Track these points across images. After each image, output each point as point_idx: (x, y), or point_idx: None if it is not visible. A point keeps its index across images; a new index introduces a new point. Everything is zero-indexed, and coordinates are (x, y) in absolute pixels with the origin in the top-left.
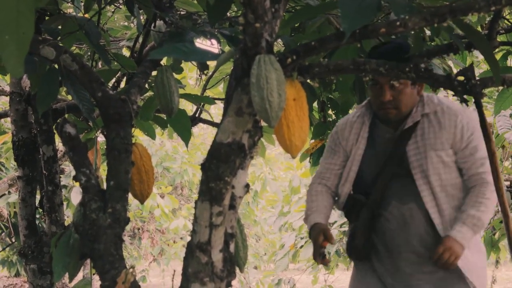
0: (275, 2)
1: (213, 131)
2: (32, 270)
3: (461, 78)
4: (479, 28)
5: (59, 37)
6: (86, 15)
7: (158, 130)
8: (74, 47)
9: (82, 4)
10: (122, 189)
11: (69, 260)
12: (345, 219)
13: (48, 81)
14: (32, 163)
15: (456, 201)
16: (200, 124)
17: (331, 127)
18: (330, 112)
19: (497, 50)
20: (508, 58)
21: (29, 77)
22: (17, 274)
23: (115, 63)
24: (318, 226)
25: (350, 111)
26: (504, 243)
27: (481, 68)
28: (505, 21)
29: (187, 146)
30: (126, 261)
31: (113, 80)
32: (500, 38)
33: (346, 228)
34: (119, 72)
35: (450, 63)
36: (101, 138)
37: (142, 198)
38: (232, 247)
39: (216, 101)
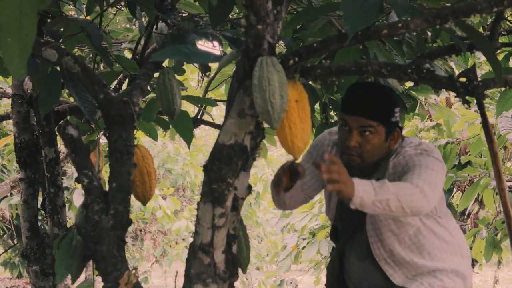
0: (277, 4)
1: (215, 132)
2: (35, 272)
3: (463, 79)
4: (480, 30)
5: (61, 39)
6: (88, 17)
7: (160, 131)
8: (76, 49)
9: (84, 6)
10: (125, 191)
11: (72, 262)
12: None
13: (50, 83)
14: (34, 165)
15: (420, 247)
16: (202, 126)
17: None
18: (332, 113)
19: (499, 51)
20: (510, 59)
21: (31, 79)
22: (19, 276)
23: (117, 65)
24: None
25: None
26: (506, 243)
27: (483, 69)
28: (507, 22)
29: (189, 147)
30: (128, 262)
31: (115, 82)
32: (502, 40)
33: None
34: (121, 74)
35: (452, 64)
36: (103, 140)
37: (144, 200)
38: (234, 248)
39: (218, 103)
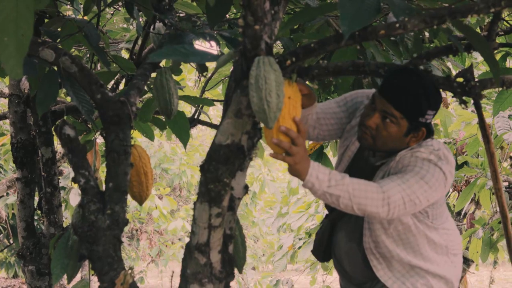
0: (274, 4)
1: (211, 132)
2: (31, 272)
3: (460, 79)
4: (478, 30)
5: (59, 39)
6: (85, 17)
7: (156, 131)
8: (73, 49)
9: (81, 6)
10: (121, 191)
11: (68, 262)
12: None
13: (48, 83)
14: (30, 165)
15: (407, 244)
16: (199, 126)
17: None
18: None
19: (496, 51)
20: (507, 60)
21: (28, 79)
22: (15, 276)
23: (114, 65)
24: None
25: None
26: (502, 243)
27: (480, 69)
28: (504, 22)
29: (185, 147)
30: (124, 262)
31: (112, 82)
32: (499, 40)
33: None
34: (118, 74)
35: (449, 64)
36: (100, 140)
37: (140, 200)
38: (231, 248)
39: (215, 103)
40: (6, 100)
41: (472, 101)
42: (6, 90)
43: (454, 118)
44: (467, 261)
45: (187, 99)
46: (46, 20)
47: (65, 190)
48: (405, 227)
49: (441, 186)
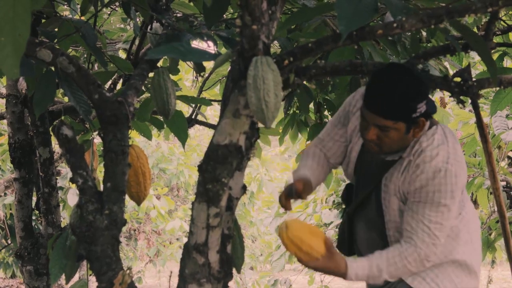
0: (272, 4)
1: (209, 132)
2: (29, 272)
3: (458, 79)
4: (475, 30)
5: (56, 40)
6: (83, 18)
7: (154, 131)
8: (71, 50)
9: (79, 6)
10: (119, 191)
11: (66, 262)
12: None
13: (45, 84)
14: (28, 165)
15: None
16: (196, 126)
17: None
18: (326, 113)
19: (493, 51)
20: (505, 59)
21: (25, 79)
22: (13, 276)
23: (112, 65)
24: (302, 176)
25: None
26: (500, 243)
27: (477, 69)
28: (502, 22)
29: (183, 147)
30: (122, 262)
31: (110, 82)
32: (496, 39)
33: None
34: (116, 74)
35: (446, 64)
36: (97, 140)
37: (138, 200)
38: (229, 248)
39: (212, 102)
40: (4, 101)
41: (469, 101)
42: (4, 91)
43: (451, 117)
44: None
45: (185, 99)
46: (43, 21)
47: (63, 190)
48: None
49: (456, 189)
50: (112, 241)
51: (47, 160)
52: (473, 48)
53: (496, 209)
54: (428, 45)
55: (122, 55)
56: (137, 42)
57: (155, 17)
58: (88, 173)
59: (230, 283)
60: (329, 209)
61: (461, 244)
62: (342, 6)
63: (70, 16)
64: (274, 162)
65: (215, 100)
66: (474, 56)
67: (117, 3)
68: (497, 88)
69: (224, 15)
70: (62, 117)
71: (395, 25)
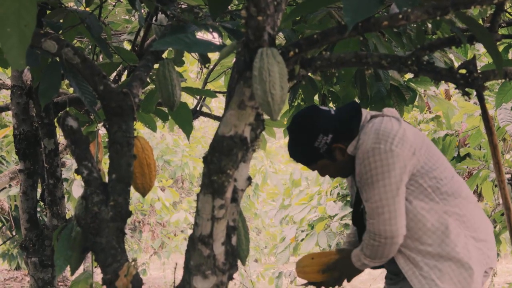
0: None
1: (213, 124)
2: (33, 264)
3: (463, 71)
4: (480, 21)
5: (61, 31)
6: (88, 9)
7: (158, 123)
8: (75, 41)
9: None
10: (124, 182)
11: (71, 253)
12: (345, 212)
13: (50, 75)
14: (33, 157)
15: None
16: (201, 117)
17: None
18: (331, 105)
19: (498, 43)
20: (510, 51)
21: (30, 70)
22: (18, 268)
23: (117, 57)
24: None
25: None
26: (505, 236)
27: (482, 61)
28: (507, 14)
29: (188, 139)
30: (127, 254)
31: (114, 73)
32: (501, 31)
33: (346, 221)
34: (121, 66)
35: (451, 56)
36: (102, 131)
37: (144, 191)
38: (234, 240)
39: (217, 94)
40: (8, 92)
41: (474, 93)
42: (8, 82)
43: (456, 110)
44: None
45: (190, 90)
46: (48, 12)
47: (68, 181)
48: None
49: (391, 164)
50: (117, 232)
51: (52, 151)
52: (478, 40)
53: (501, 201)
54: (433, 37)
55: (127, 46)
56: (142, 33)
57: (160, 8)
58: (93, 165)
59: (235, 275)
60: (334, 201)
61: (453, 240)
62: None
63: (75, 7)
64: (278, 154)
65: (219, 92)
66: (479, 48)
67: None
68: (503, 80)
69: (229, 6)
70: (67, 108)
71: (400, 16)
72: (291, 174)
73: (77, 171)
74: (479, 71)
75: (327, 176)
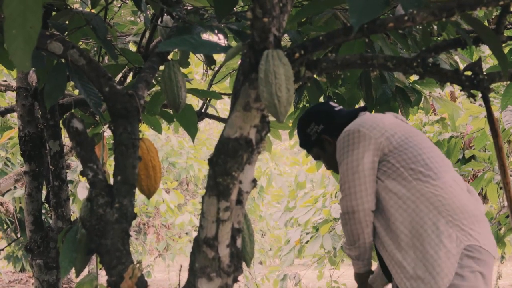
0: None
1: (218, 126)
2: (38, 265)
3: (468, 73)
4: (486, 23)
5: (66, 32)
6: (93, 10)
7: (163, 124)
8: (81, 42)
9: None
10: (129, 184)
11: (76, 255)
12: None
13: (56, 76)
14: (38, 158)
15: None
16: (206, 120)
17: None
18: None
19: (504, 45)
20: None
21: (36, 72)
22: (22, 270)
23: (122, 58)
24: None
25: (356, 106)
26: (510, 238)
27: (487, 63)
28: None
29: (193, 141)
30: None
31: (120, 75)
32: (507, 33)
33: None
34: (126, 67)
35: (456, 58)
36: (107, 133)
37: (149, 193)
38: (239, 242)
39: (222, 96)
40: (14, 93)
41: (480, 95)
42: (14, 83)
43: (461, 112)
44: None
45: (195, 92)
46: (53, 13)
47: (73, 183)
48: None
49: (354, 143)
50: (122, 234)
51: (57, 153)
52: (484, 42)
53: (506, 204)
54: (439, 38)
55: (133, 48)
56: (147, 35)
57: (165, 10)
58: (99, 166)
59: (239, 278)
60: (339, 203)
61: (422, 217)
62: None
63: (81, 8)
64: (283, 156)
65: (225, 94)
66: (485, 50)
67: None
68: (508, 82)
69: (235, 8)
70: (73, 110)
71: (406, 18)
72: (296, 177)
73: (82, 173)
74: (484, 73)
75: (332, 179)
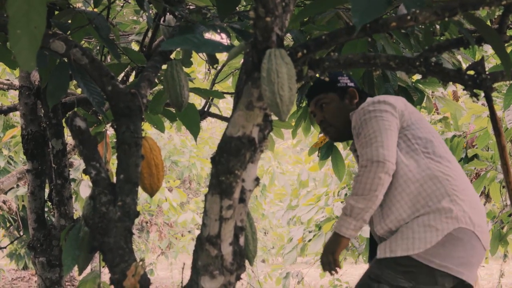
0: None
1: (221, 125)
2: (41, 263)
3: (471, 72)
4: (488, 23)
5: (69, 31)
6: (96, 10)
7: (166, 123)
8: (83, 41)
9: None
10: (132, 183)
11: (79, 253)
12: None
13: (58, 75)
14: (41, 157)
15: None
16: (209, 118)
17: None
18: None
19: (507, 44)
20: None
21: (39, 71)
22: (25, 267)
23: (125, 57)
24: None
25: None
26: None
27: (490, 62)
28: None
29: (195, 140)
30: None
31: (122, 74)
32: (510, 33)
33: None
34: (128, 66)
35: (459, 57)
36: (110, 132)
37: (151, 192)
38: (241, 241)
39: (224, 95)
40: (17, 92)
41: (482, 94)
42: (16, 82)
43: (464, 111)
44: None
45: (198, 91)
46: (56, 12)
47: (75, 182)
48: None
49: (384, 109)
50: (125, 232)
51: (59, 151)
52: (486, 41)
53: (508, 203)
54: (441, 38)
55: (135, 47)
56: (150, 34)
57: (168, 9)
58: (102, 165)
59: (242, 276)
60: (341, 202)
61: (426, 189)
62: None
63: (83, 8)
64: (286, 155)
65: (227, 93)
66: (488, 50)
67: None
68: (511, 82)
69: (237, 7)
70: (75, 109)
71: (408, 17)
72: (299, 175)
73: (85, 171)
74: (487, 72)
75: (334, 177)
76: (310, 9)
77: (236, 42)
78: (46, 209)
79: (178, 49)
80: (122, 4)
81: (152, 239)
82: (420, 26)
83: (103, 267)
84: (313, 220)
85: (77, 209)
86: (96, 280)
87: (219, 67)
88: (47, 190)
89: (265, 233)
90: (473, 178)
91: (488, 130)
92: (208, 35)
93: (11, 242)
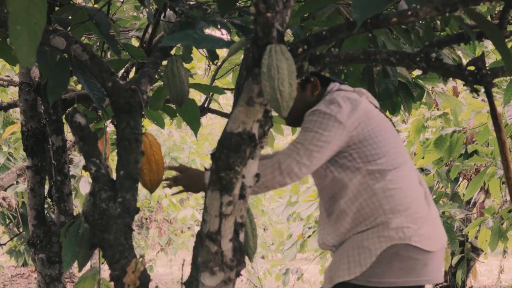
0: None
1: (221, 121)
2: (41, 260)
3: (471, 68)
4: (489, 18)
5: (69, 27)
6: (96, 5)
7: (166, 119)
8: (84, 37)
9: None
10: (132, 179)
11: (79, 250)
12: None
13: (59, 71)
14: (41, 153)
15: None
16: (208, 115)
17: None
18: None
19: (507, 40)
20: None
21: (39, 67)
22: (25, 264)
23: (125, 53)
24: None
25: None
26: None
27: (490, 58)
28: None
29: (196, 136)
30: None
31: (122, 70)
32: (510, 28)
33: None
34: (129, 62)
35: (459, 53)
36: (110, 128)
37: (151, 188)
38: (241, 237)
39: (225, 91)
40: (16, 89)
41: (482, 90)
42: (16, 79)
43: (464, 107)
44: (476, 250)
45: (198, 87)
46: (56, 8)
47: (75, 178)
48: (330, 179)
49: (331, 125)
50: (125, 229)
51: (59, 148)
52: (487, 37)
53: (508, 198)
54: (442, 33)
55: (135, 43)
56: (150, 30)
57: (168, 5)
58: (102, 161)
59: (242, 272)
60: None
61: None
62: None
63: (84, 3)
64: None
65: (227, 89)
66: (488, 45)
67: None
68: (511, 77)
69: (238, 3)
70: (76, 105)
71: (409, 13)
72: None
73: (85, 168)
74: (487, 68)
75: None
76: (310, 4)
77: (236, 38)
78: (46, 206)
79: (179, 45)
80: (122, 0)
81: (151, 235)
82: (420, 21)
83: (102, 263)
84: (312, 216)
85: (77, 206)
86: (95, 277)
87: (219, 63)
88: (47, 187)
89: (264, 229)
90: (473, 174)
91: (488, 125)
92: (208, 31)
93: (11, 239)
